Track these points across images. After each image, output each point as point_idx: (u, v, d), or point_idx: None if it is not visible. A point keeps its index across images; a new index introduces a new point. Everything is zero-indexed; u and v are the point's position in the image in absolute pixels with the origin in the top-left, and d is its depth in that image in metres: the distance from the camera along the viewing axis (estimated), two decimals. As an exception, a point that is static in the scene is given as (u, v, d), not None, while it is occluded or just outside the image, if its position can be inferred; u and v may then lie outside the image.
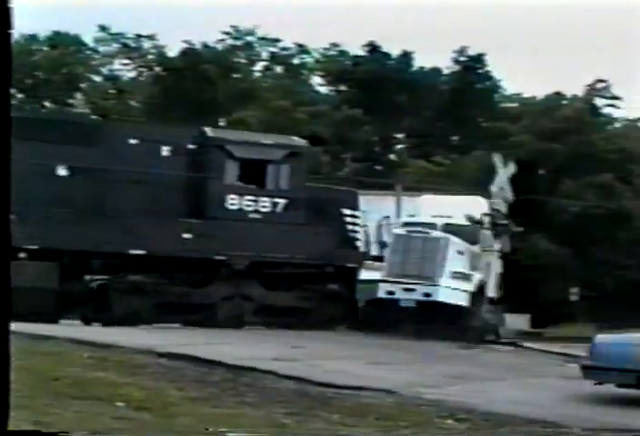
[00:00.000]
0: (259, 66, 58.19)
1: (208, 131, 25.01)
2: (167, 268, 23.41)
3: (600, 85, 54.04)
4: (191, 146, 24.25)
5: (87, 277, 22.81)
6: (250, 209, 24.36)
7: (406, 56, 54.30)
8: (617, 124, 57.66)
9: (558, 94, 54.40)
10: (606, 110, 55.93)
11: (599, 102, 54.99)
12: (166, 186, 23.54)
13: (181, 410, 10.73)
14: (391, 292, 23.82)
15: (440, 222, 25.92)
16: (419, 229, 25.00)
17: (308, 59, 58.16)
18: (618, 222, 44.54)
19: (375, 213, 26.60)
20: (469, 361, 19.35)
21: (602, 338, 15.02)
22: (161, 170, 23.31)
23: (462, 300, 23.88)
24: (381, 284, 23.92)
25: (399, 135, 56.34)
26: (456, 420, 11.61)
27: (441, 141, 53.56)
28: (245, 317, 24.15)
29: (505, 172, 26.90)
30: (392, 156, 54.01)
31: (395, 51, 54.10)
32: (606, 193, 45.07)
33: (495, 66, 55.37)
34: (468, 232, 25.71)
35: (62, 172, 22.71)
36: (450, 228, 25.65)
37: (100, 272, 22.89)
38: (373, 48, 53.83)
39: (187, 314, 23.70)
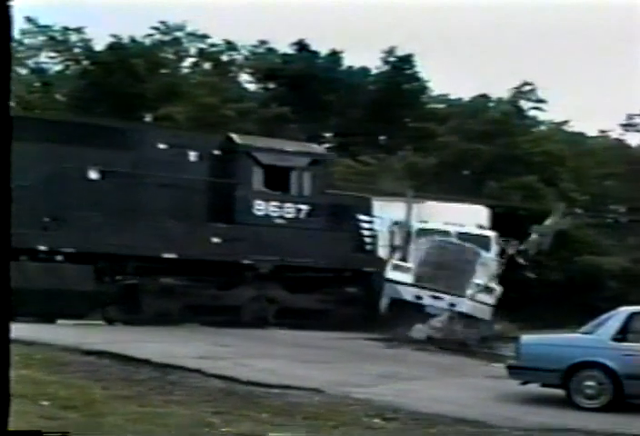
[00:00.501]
0: (187, 62, 57.82)
1: (236, 138, 25.56)
2: (196, 271, 23.84)
3: (526, 88, 54.64)
4: (216, 152, 24.83)
5: (120, 279, 23.25)
6: (275, 214, 25.09)
7: (335, 55, 54.40)
8: (542, 127, 58.31)
9: (484, 97, 54.83)
10: (532, 113, 56.54)
11: (525, 104, 55.56)
12: (196, 191, 24.12)
13: (107, 408, 10.61)
14: (419, 297, 24.68)
15: (453, 229, 27.22)
16: (452, 240, 26.35)
17: (237, 56, 57.93)
18: (541, 224, 45.00)
19: (385, 219, 27.19)
20: (395, 361, 19.39)
21: (528, 338, 15.21)
22: (189, 175, 23.94)
23: (486, 314, 25.05)
24: (409, 288, 24.81)
25: (327, 134, 56.36)
26: (384, 419, 11.63)
27: (368, 140, 53.67)
28: (269, 318, 24.75)
29: (557, 222, 28.73)
30: None
31: (323, 50, 54.23)
32: (531, 195, 45.56)
33: (423, 67, 55.65)
34: (480, 241, 26.97)
35: (96, 175, 23.01)
36: (464, 237, 26.94)
37: (133, 275, 23.34)
38: (301, 47, 53.81)
39: (215, 316, 24.12)
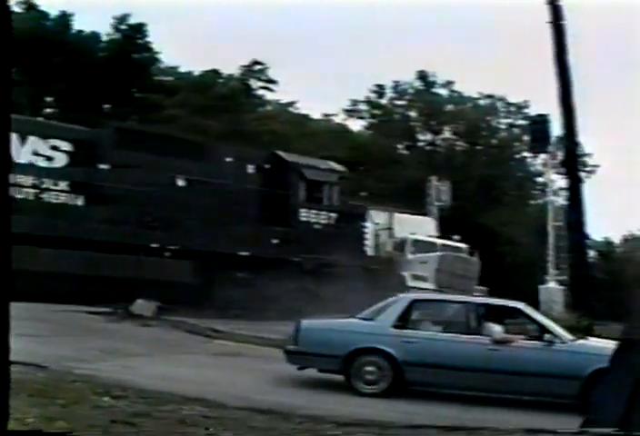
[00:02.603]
0: None
1: (284, 155, 30.61)
2: (257, 266, 27.59)
3: (257, 67, 54.98)
4: (267, 166, 29.56)
5: (207, 272, 27.06)
6: (314, 220, 30.38)
7: (65, 18, 52.57)
8: (269, 107, 58.94)
9: (215, 72, 54.77)
10: (261, 92, 56.97)
11: (254, 83, 55.89)
12: (258, 199, 28.74)
13: None
14: None
15: (438, 241, 35.70)
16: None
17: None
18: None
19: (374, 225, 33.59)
20: (118, 336, 18.99)
21: (308, 323, 15.00)
22: (248, 185, 28.49)
23: None
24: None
25: (49, 99, 54.47)
26: (113, 397, 11.23)
27: (93, 108, 52.29)
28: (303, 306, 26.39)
29: None
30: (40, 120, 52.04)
31: (53, 11, 52.27)
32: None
33: (154, 37, 54.74)
34: (456, 250, 35.11)
35: (184, 183, 27.23)
36: (446, 248, 34.98)
37: (215, 269, 27.15)
38: (30, 6, 51.69)
39: (265, 304, 25.97)
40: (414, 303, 14.84)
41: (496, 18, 65.98)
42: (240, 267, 27.58)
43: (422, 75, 62.65)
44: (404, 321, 14.44)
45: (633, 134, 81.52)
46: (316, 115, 62.59)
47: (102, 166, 25.34)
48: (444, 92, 63.79)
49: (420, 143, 63.89)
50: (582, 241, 29.22)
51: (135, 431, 8.94)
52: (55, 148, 25.20)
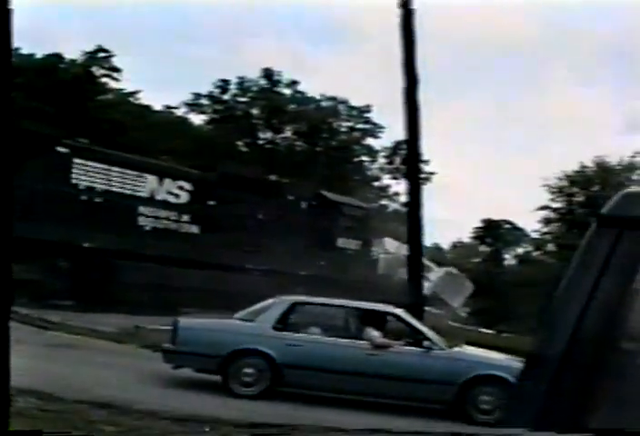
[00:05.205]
0: None
1: (328, 195, 38.72)
2: (309, 282, 31.76)
3: (101, 55, 53.99)
4: (314, 202, 37.11)
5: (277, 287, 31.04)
6: (346, 247, 38.19)
7: None
8: (111, 95, 57.91)
9: (57, 56, 53.51)
10: (104, 80, 55.89)
11: (97, 71, 54.83)
12: (310, 228, 35.49)
13: None
14: None
15: (442, 269, 44.81)
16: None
17: None
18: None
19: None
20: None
21: (186, 322, 14.74)
22: (302, 218, 35.41)
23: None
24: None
25: None
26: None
27: None
28: None
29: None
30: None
31: None
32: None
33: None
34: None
35: (262, 217, 34.21)
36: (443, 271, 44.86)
37: (282, 285, 30.55)
38: None
39: None
40: (294, 306, 14.86)
41: (345, 21, 66.73)
42: (299, 283, 31.87)
43: (267, 74, 62.76)
44: (284, 323, 14.44)
45: (465, 141, 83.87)
46: (158, 107, 61.91)
47: (210, 202, 32.60)
48: (287, 91, 64.05)
49: (260, 142, 63.98)
50: (418, 245, 29.67)
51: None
52: (180, 188, 32.06)
